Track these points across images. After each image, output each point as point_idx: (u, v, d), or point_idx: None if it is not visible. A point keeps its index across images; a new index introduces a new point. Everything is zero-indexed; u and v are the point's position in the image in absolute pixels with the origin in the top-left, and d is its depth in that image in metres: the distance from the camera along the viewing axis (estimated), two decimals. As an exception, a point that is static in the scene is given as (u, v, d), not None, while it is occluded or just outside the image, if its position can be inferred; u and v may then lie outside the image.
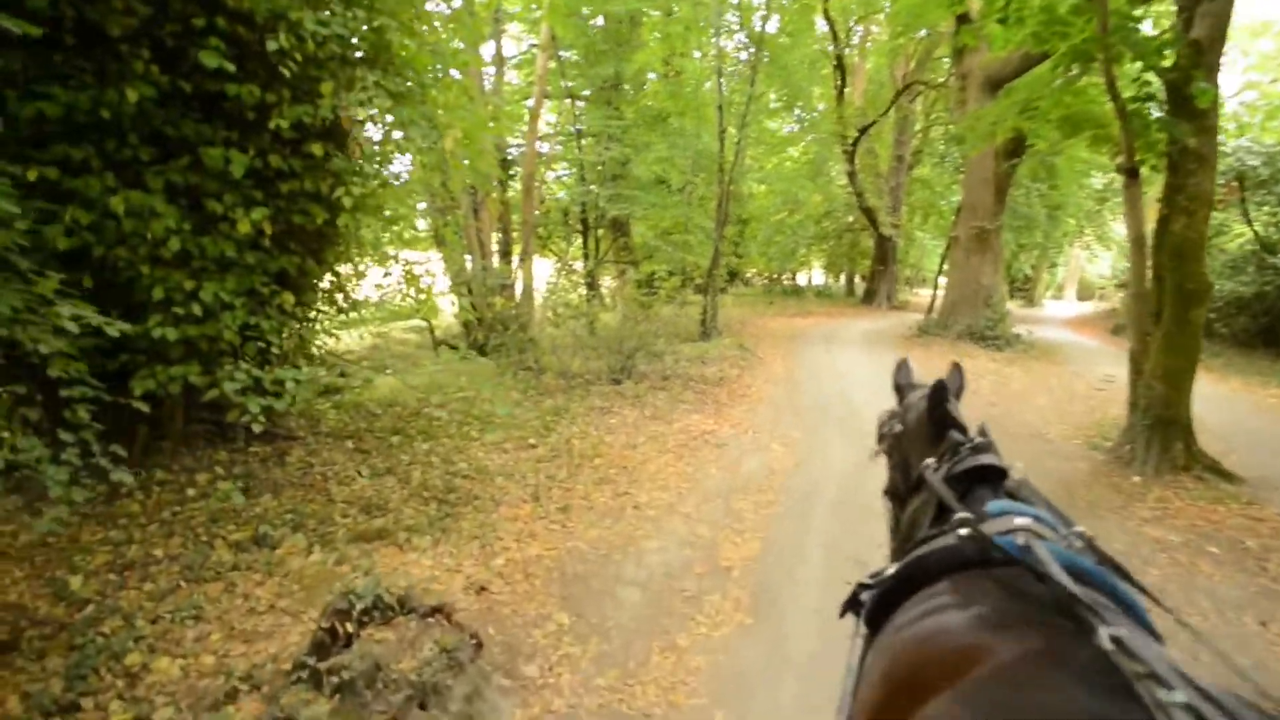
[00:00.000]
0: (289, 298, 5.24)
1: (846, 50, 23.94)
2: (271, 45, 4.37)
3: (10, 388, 4.39)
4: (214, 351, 5.02)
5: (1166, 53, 6.79)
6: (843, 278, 34.32)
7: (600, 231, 19.52)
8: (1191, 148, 6.63)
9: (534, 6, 14.16)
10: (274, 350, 4.88)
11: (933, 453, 1.68)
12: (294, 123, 4.90)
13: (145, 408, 3.83)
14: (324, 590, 3.81)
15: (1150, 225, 7.39)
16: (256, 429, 4.32)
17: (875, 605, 1.39)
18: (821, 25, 21.97)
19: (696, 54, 18.48)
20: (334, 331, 7.11)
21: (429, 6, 6.42)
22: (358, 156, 4.75)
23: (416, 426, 7.02)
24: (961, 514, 1.34)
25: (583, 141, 17.72)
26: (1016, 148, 15.96)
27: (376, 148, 5.23)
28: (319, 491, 5.38)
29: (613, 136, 16.53)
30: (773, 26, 17.50)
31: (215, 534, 4.56)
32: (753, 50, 15.82)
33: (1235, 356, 14.46)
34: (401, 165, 7.79)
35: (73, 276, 4.77)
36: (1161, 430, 6.95)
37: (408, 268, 7.41)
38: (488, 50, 14.92)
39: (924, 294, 29.01)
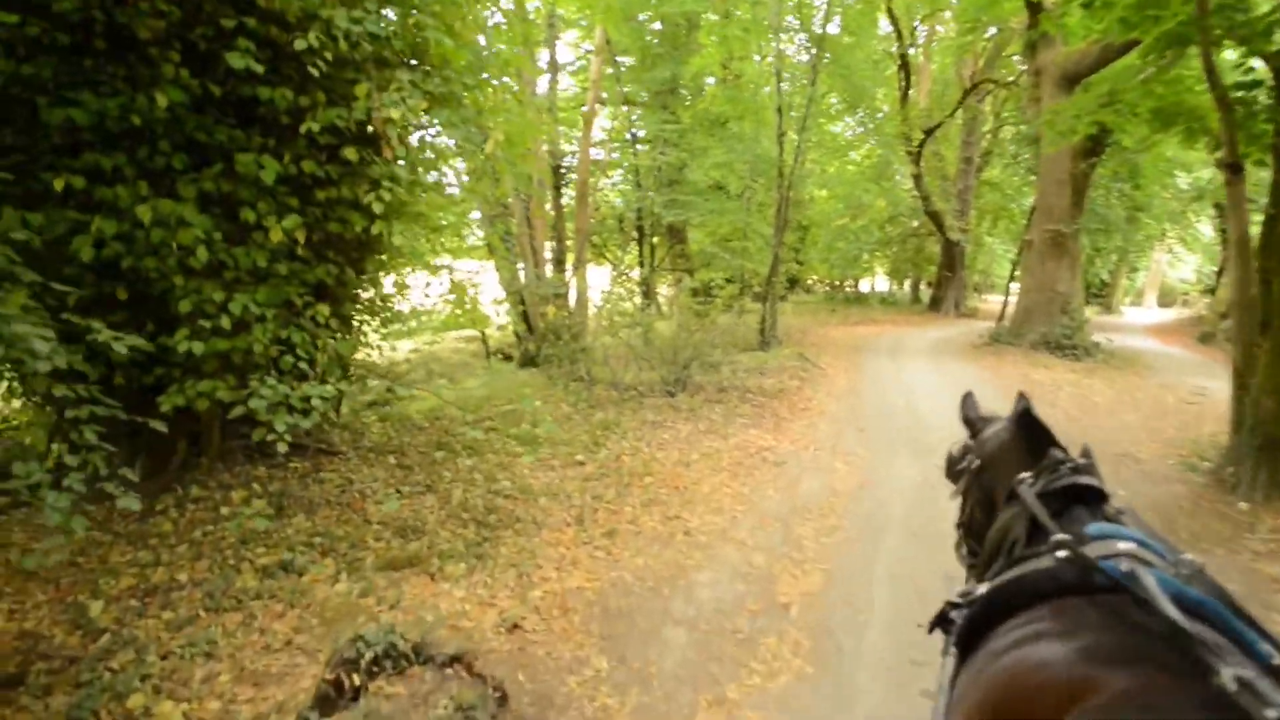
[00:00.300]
0: (324, 309, 5.03)
1: (911, 50, 23.18)
2: (300, 44, 4.15)
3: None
4: (247, 365, 4.85)
5: (1276, 35, 6.12)
6: (907, 284, 33.36)
7: (656, 239, 19.21)
8: (1303, 139, 5.96)
9: (587, 10, 13.90)
10: (302, 364, 4.64)
11: (1025, 469, 1.59)
12: (329, 127, 4.70)
13: (162, 427, 3.61)
14: (345, 625, 3.54)
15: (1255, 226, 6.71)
16: (282, 448, 4.10)
17: (967, 627, 1.34)
18: (885, 26, 21.33)
19: (756, 58, 18.05)
20: (378, 344, 6.93)
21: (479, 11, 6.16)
22: (391, 159, 4.48)
23: (462, 441, 6.77)
24: (1060, 535, 1.28)
25: (638, 147, 17.45)
26: (1095, 146, 15.08)
27: (410, 152, 4.94)
28: (355, 511, 5.14)
29: (668, 141, 16.20)
30: (834, 27, 16.95)
31: (243, 557, 4.35)
32: (813, 51, 15.28)
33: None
34: (447, 172, 7.64)
35: (107, 289, 4.70)
36: (1272, 452, 6.24)
37: (454, 277, 7.21)
38: (543, 57, 14.77)
39: (994, 301, 27.94)
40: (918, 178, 22.46)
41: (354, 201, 5.04)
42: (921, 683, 3.46)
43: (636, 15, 16.16)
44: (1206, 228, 28.24)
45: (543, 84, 14.39)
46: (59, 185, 4.07)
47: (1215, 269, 27.15)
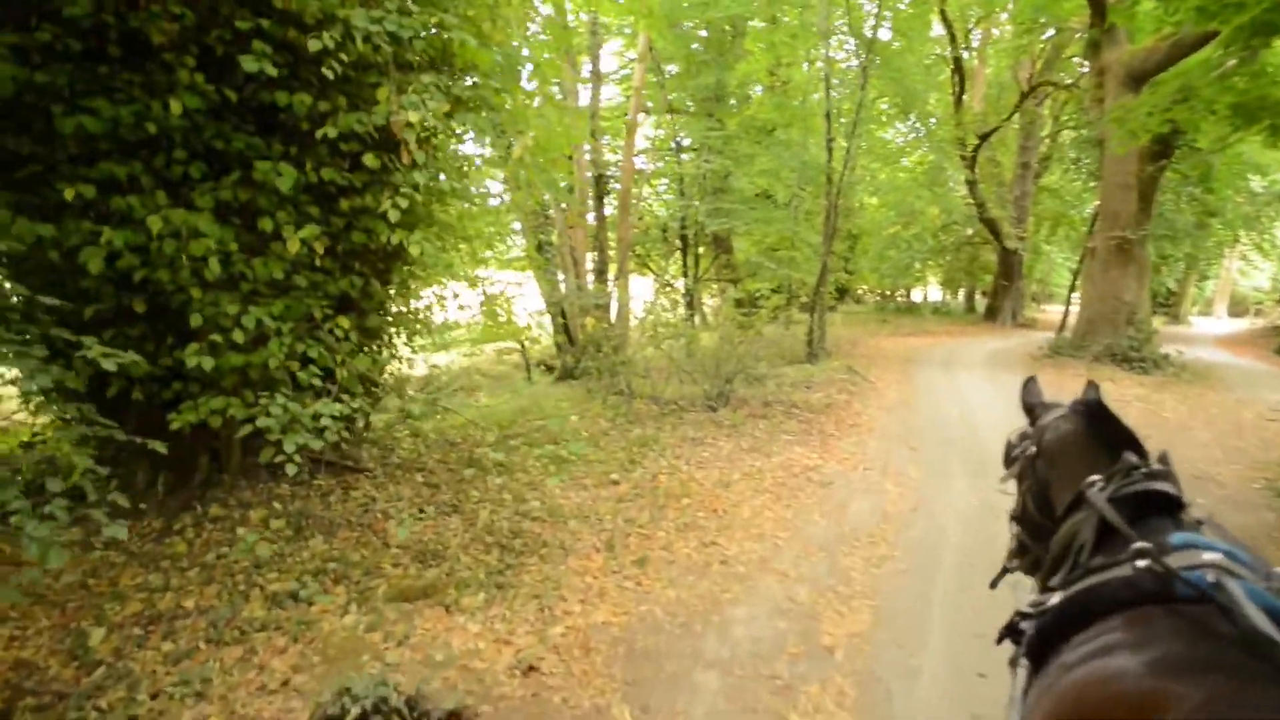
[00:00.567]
0: (344, 322, 4.83)
1: (965, 53, 22.49)
2: (314, 45, 3.95)
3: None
4: (264, 381, 4.67)
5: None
6: (962, 294, 32.42)
7: (701, 249, 18.89)
8: None
9: (630, 16, 13.69)
10: (314, 381, 4.43)
11: (1094, 472, 1.50)
12: (350, 134, 4.51)
13: (162, 448, 3.40)
14: (348, 663, 3.29)
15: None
16: (291, 470, 3.87)
17: (1039, 637, 1.29)
18: (937, 29, 20.73)
19: (804, 65, 17.65)
20: (408, 358, 6.75)
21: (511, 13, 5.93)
22: (409, 165, 4.26)
23: (492, 458, 6.52)
24: (1140, 543, 1.22)
25: (683, 156, 17.18)
26: (1163, 148, 14.33)
27: (430, 158, 4.71)
28: (375, 533, 4.91)
29: (713, 149, 15.87)
30: (885, 32, 16.45)
31: (255, 582, 4.14)
32: (863, 56, 14.81)
33: None
34: (485, 182, 7.44)
35: (126, 301, 4.57)
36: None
37: (488, 288, 7.01)
38: (585, 66, 14.61)
39: (1053, 311, 26.97)
40: (972, 184, 21.76)
41: (378, 211, 4.84)
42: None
43: (681, 22, 15.89)
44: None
45: (585, 93, 14.22)
46: (69, 195, 3.93)
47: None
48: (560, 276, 12.26)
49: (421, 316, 6.36)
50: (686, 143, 17.35)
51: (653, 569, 4.69)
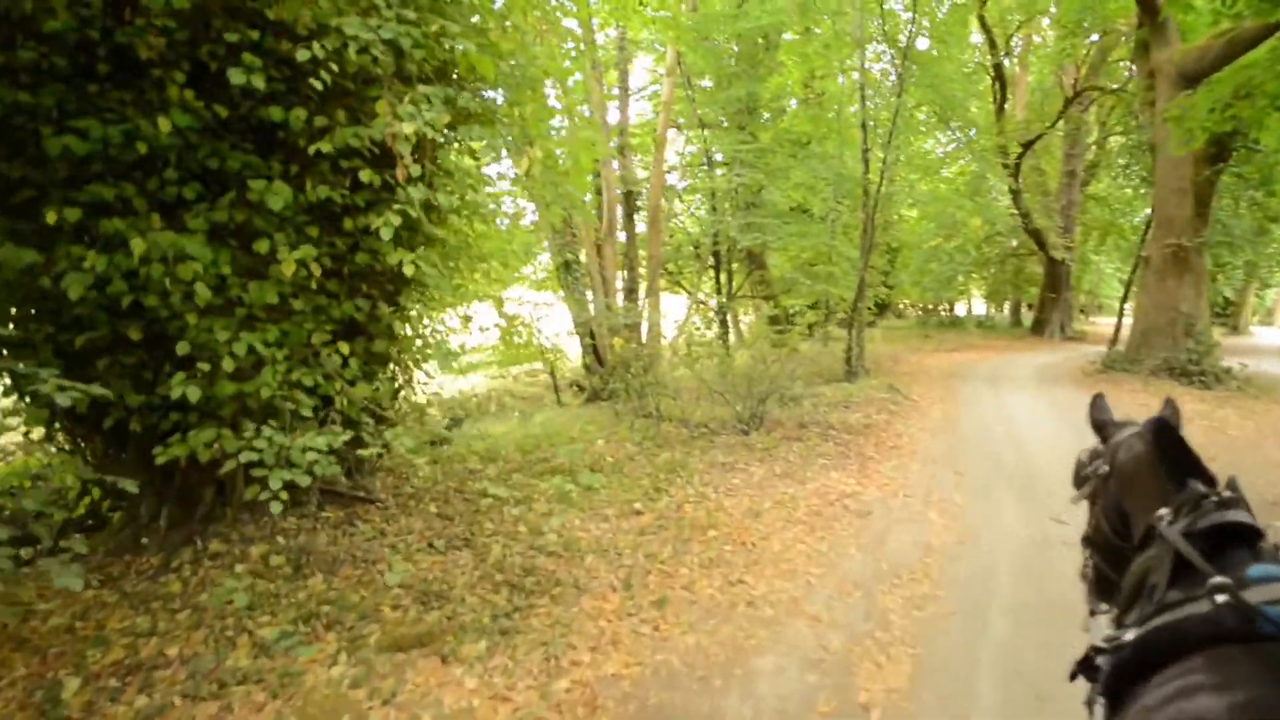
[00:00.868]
0: (344, 348, 4.58)
1: (1006, 60, 21.91)
2: (302, 55, 3.73)
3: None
4: (264, 411, 4.44)
5: None
6: (1007, 307, 31.51)
7: (735, 265, 18.52)
8: None
9: (658, 30, 13.45)
10: (304, 411, 4.17)
11: (1164, 503, 1.42)
12: (349, 150, 4.29)
13: (133, 488, 3.16)
14: (327, 726, 2.99)
15: None
16: (275, 509, 3.61)
17: (1115, 675, 1.25)
18: (976, 36, 20.23)
19: (840, 78, 17.26)
20: (423, 383, 6.51)
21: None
22: (405, 180, 4.00)
23: (492, 493, 6.19)
24: (1219, 579, 1.15)
25: (716, 172, 16.87)
26: (1220, 151, 13.63)
27: (427, 171, 4.46)
28: (379, 570, 4.63)
29: (745, 162, 15.53)
30: (922, 41, 15.99)
31: (244, 627, 3.88)
32: (899, 64, 14.38)
33: None
34: (505, 200, 7.21)
35: (121, 328, 4.38)
36: None
37: (505, 309, 6.77)
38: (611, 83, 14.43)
39: (1103, 323, 26.00)
40: (1016, 194, 21.11)
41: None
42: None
43: (711, 36, 15.62)
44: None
45: (614, 109, 14.03)
46: (51, 218, 3.75)
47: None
48: (589, 296, 12.00)
49: (431, 340, 6.10)
50: (719, 157, 17.03)
51: (672, 611, 4.32)
